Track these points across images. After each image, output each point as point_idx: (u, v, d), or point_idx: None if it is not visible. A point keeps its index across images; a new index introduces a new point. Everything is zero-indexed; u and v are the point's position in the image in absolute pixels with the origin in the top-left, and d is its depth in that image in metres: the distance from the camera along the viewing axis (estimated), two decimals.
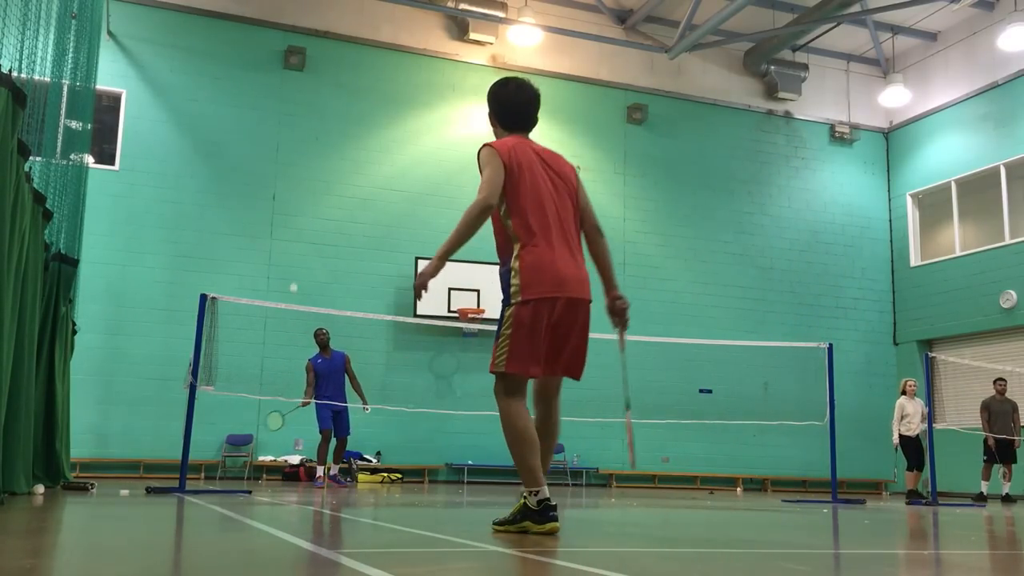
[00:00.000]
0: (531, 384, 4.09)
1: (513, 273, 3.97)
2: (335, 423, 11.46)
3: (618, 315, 4.30)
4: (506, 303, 3.99)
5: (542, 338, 3.93)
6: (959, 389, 16.90)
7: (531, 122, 4.34)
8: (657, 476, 15.75)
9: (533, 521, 3.77)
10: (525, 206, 3.99)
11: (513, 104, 4.32)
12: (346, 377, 11.74)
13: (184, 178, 14.24)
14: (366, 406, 11.51)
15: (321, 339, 11.59)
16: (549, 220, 4.01)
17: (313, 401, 11.33)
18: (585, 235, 4.26)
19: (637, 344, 15.52)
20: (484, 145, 4.14)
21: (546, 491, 3.79)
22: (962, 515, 8.04)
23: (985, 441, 13.03)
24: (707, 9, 15.23)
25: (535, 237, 3.97)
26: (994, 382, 13.42)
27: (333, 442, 11.61)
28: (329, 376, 11.48)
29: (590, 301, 4.09)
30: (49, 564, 2.61)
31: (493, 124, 4.40)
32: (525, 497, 3.82)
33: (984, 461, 13.11)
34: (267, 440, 13.76)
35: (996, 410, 13.17)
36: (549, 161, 4.21)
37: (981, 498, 12.85)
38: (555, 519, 3.77)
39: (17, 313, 5.48)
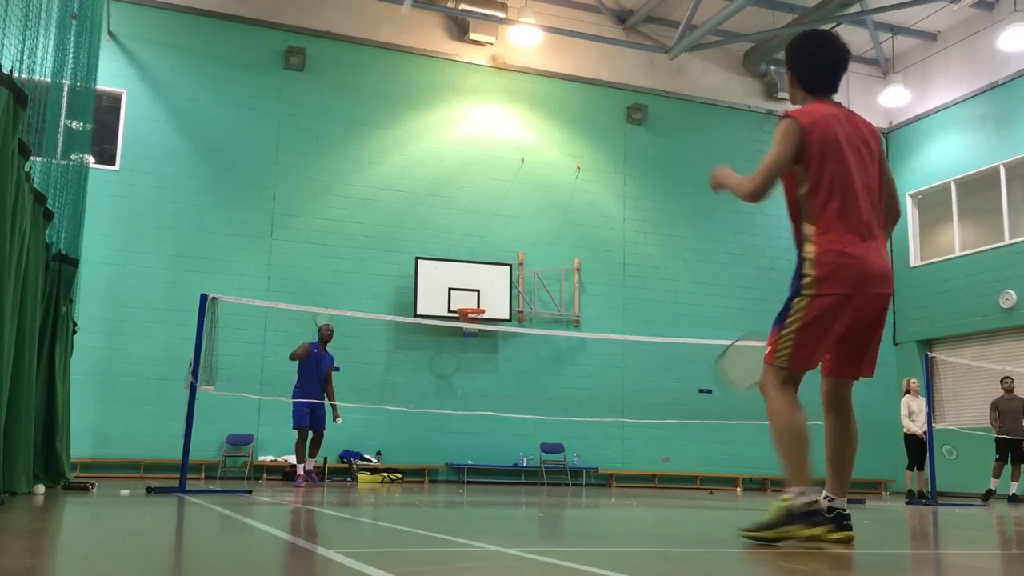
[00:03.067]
0: (823, 388, 3.81)
1: (808, 262, 3.60)
2: (312, 418, 11.44)
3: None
4: (795, 292, 3.63)
5: (835, 336, 3.60)
6: (959, 389, 16.90)
7: (836, 83, 3.89)
8: (657, 476, 15.75)
9: (801, 525, 3.48)
10: (828, 187, 3.61)
11: (819, 60, 3.84)
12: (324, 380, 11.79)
13: (184, 178, 14.24)
14: (336, 417, 11.57)
15: (326, 335, 11.68)
16: (855, 203, 3.60)
17: (291, 400, 11.31)
18: (885, 209, 3.84)
19: (637, 344, 15.61)
20: (784, 115, 3.70)
21: (816, 492, 3.52)
22: (962, 515, 8.04)
23: (997, 440, 13.03)
24: (707, 9, 15.23)
25: (838, 224, 3.58)
26: (1001, 381, 13.40)
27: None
28: (316, 370, 11.52)
29: (891, 295, 3.71)
30: (49, 564, 2.61)
31: (791, 86, 3.91)
32: (787, 499, 3.51)
33: (996, 460, 13.09)
34: (267, 440, 13.78)
35: (1004, 408, 13.18)
36: (858, 129, 3.76)
37: (989, 494, 12.86)
38: (826, 522, 3.50)
39: (17, 313, 5.48)
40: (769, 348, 3.67)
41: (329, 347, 11.90)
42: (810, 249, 3.62)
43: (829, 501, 3.61)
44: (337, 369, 12.04)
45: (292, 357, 11.46)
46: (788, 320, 3.61)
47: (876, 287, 3.57)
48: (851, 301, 3.55)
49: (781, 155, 3.64)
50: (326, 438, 11.74)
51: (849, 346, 3.70)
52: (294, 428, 11.43)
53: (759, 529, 3.57)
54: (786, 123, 3.66)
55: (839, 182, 3.62)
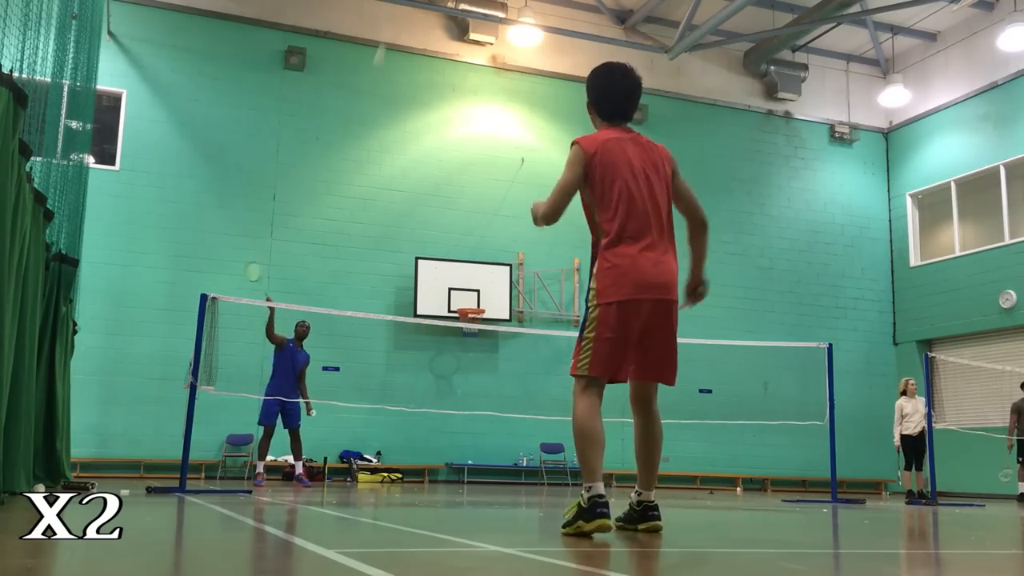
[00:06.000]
0: (629, 391, 4.09)
1: (593, 276, 3.95)
2: (285, 415, 11.28)
3: (693, 298, 4.32)
4: (587, 303, 3.95)
5: (627, 342, 3.86)
6: (959, 389, 16.90)
7: (629, 112, 4.35)
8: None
9: (584, 520, 3.65)
10: (613, 204, 3.94)
11: (612, 92, 4.32)
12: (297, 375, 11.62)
13: (184, 178, 14.25)
14: (311, 411, 11.40)
15: (302, 331, 11.52)
16: (639, 219, 3.93)
17: (262, 397, 11.17)
18: (688, 227, 4.23)
19: None
20: (573, 142, 4.12)
21: (601, 488, 3.67)
22: (962, 515, 8.05)
23: (1020, 443, 13.00)
24: (707, 9, 15.23)
25: (621, 237, 3.91)
26: (1022, 385, 13.35)
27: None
28: (289, 367, 11.35)
29: (675, 301, 4.01)
30: (49, 564, 2.61)
31: (591, 113, 4.38)
32: (580, 495, 3.73)
33: (1019, 463, 13.07)
34: None
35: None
36: (646, 151, 4.17)
37: (1022, 498, 12.85)
38: (604, 515, 3.61)
39: (18, 313, 5.48)
40: (573, 360, 3.92)
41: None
42: (598, 264, 3.96)
43: (638, 495, 4.01)
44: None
45: (269, 332, 11.21)
46: (586, 331, 3.89)
47: (654, 294, 3.85)
48: (634, 307, 3.83)
49: (568, 180, 4.02)
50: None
51: (646, 352, 3.94)
52: (260, 424, 11.31)
53: (564, 526, 3.80)
54: (573, 150, 4.07)
55: (622, 200, 3.93)
